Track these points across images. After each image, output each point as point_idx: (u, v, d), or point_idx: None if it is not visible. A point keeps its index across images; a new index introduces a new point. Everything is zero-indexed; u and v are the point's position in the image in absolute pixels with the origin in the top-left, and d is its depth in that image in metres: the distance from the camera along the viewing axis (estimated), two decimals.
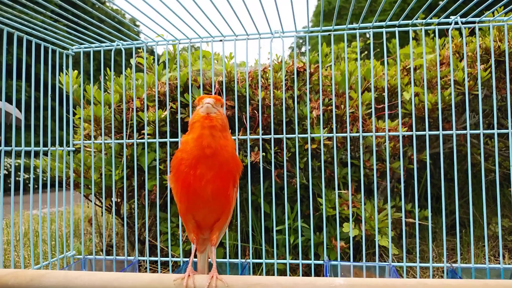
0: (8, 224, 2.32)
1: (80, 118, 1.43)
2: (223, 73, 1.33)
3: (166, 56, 1.39)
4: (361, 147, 1.26)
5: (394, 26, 1.25)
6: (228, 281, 0.71)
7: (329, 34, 1.30)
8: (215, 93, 1.37)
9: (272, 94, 1.30)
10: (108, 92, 1.51)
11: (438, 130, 1.21)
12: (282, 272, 1.35)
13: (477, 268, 1.16)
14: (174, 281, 0.72)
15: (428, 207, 1.19)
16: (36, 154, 1.31)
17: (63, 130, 1.41)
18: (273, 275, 1.30)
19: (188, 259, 1.16)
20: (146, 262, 1.35)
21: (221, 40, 1.33)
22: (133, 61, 1.43)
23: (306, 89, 1.36)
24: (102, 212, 1.55)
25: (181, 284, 0.71)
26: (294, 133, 1.28)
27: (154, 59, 1.54)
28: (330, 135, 1.29)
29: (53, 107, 1.32)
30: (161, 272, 1.40)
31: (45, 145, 1.29)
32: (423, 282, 0.70)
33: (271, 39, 1.29)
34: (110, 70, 1.43)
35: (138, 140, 1.36)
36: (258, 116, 1.37)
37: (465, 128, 1.33)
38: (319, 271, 1.40)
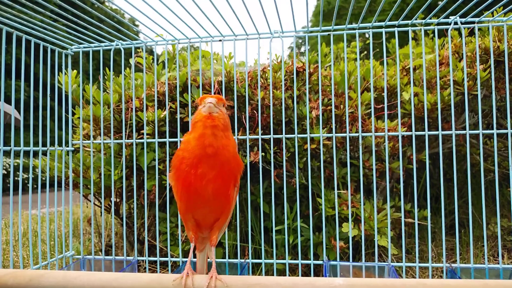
0: (7, 224, 2.31)
1: (79, 118, 1.43)
2: (222, 73, 1.33)
3: (166, 56, 1.39)
4: (360, 147, 1.26)
5: (393, 26, 1.25)
6: (227, 281, 0.71)
7: (328, 34, 1.30)
8: (214, 93, 1.37)
9: (271, 94, 1.30)
10: (107, 92, 1.51)
11: (438, 130, 1.21)
12: (281, 272, 1.34)
13: (477, 268, 1.16)
14: (174, 281, 0.71)
15: (428, 207, 1.19)
16: (35, 154, 1.30)
17: (62, 130, 1.40)
18: (273, 275, 1.30)
19: (187, 259, 1.15)
20: (145, 262, 1.35)
21: (220, 40, 1.33)
22: (132, 61, 1.43)
23: (306, 89, 1.36)
24: (101, 212, 1.55)
25: (180, 284, 0.71)
26: (294, 133, 1.28)
27: (153, 59, 1.54)
28: (330, 135, 1.29)
29: (52, 107, 1.32)
30: (160, 272, 1.40)
31: (44, 145, 1.29)
32: (423, 282, 0.70)
33: (270, 39, 1.29)
34: (109, 70, 1.43)
35: (137, 140, 1.35)
36: (258, 116, 1.37)
37: (464, 128, 1.33)
38: (318, 271, 1.40)
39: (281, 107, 1.34)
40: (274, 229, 1.31)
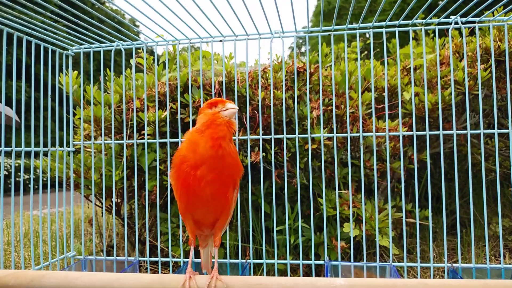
0: (9, 224, 2.32)
1: (80, 118, 1.43)
2: (223, 73, 1.33)
3: (166, 57, 1.39)
4: (361, 147, 1.26)
5: (394, 26, 1.25)
6: (228, 281, 0.71)
7: (329, 34, 1.30)
8: (215, 93, 1.37)
9: (272, 94, 1.30)
10: (108, 93, 1.51)
11: (438, 130, 1.21)
12: (282, 273, 1.34)
13: (478, 268, 1.16)
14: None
15: (429, 207, 1.19)
16: (36, 155, 1.30)
17: (63, 130, 1.41)
18: (274, 275, 1.30)
19: (188, 259, 1.16)
20: (147, 263, 1.35)
21: (221, 41, 1.33)
22: (133, 62, 1.43)
23: (306, 89, 1.36)
24: (102, 213, 1.55)
25: (185, 286, 0.71)
26: (294, 133, 1.28)
27: (154, 59, 1.54)
28: (330, 135, 1.29)
29: (53, 107, 1.32)
30: (161, 272, 1.40)
31: (45, 145, 1.29)
32: (424, 282, 0.70)
33: (271, 39, 1.29)
34: (110, 71, 1.43)
35: (138, 141, 1.36)
36: (258, 116, 1.37)
37: (465, 128, 1.33)
38: (319, 271, 1.39)
39: (282, 107, 1.34)
40: (275, 229, 1.31)
